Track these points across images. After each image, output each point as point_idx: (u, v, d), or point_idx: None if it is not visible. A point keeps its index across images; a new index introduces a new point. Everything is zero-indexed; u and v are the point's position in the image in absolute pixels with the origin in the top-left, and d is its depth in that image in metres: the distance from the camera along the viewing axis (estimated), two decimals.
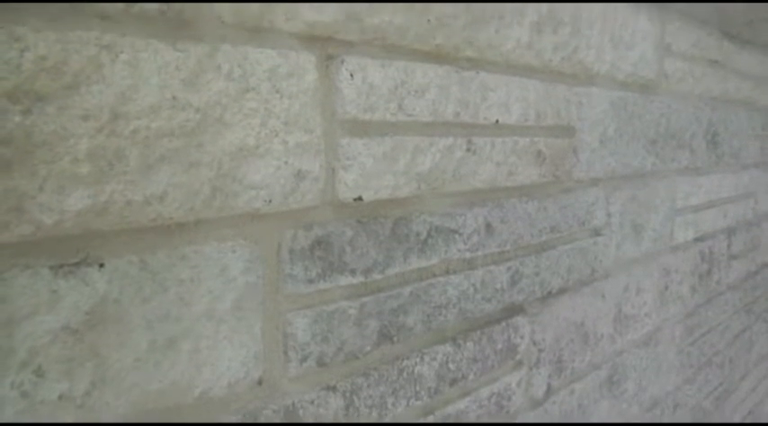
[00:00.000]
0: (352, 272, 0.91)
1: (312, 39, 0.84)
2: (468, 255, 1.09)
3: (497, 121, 1.12)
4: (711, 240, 2.12)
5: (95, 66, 0.64)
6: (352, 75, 0.88)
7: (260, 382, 0.82)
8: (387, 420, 0.99)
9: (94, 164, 0.65)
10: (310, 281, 0.86)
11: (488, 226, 1.13)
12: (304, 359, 0.87)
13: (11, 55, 0.59)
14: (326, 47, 0.85)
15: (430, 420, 1.05)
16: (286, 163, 0.82)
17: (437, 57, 1.00)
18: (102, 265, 0.67)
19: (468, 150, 1.07)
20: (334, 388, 0.91)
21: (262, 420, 0.82)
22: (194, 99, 0.72)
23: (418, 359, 1.03)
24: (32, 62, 0.60)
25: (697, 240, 2.01)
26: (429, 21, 0.97)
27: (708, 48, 1.92)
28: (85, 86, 0.64)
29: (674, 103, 1.75)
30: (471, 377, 1.13)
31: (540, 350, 1.31)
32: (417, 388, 1.03)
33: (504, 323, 1.20)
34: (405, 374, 1.01)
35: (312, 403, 0.88)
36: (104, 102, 0.65)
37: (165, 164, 0.70)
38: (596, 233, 1.45)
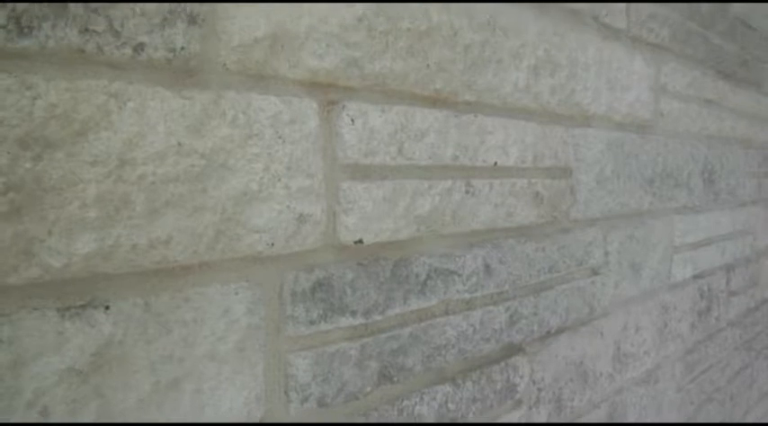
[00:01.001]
0: (353, 314, 0.92)
1: (314, 86, 0.86)
2: (467, 296, 1.11)
3: (496, 163, 1.14)
4: (710, 277, 2.13)
5: (104, 114, 0.67)
6: (352, 121, 0.90)
7: (261, 422, 0.83)
8: None
9: (102, 208, 0.67)
10: (311, 323, 0.87)
11: (487, 266, 1.14)
12: (305, 400, 0.87)
13: (23, 103, 0.61)
14: (328, 93, 0.88)
15: None
16: (288, 207, 0.83)
17: (436, 101, 1.02)
18: (107, 307, 0.68)
19: (466, 192, 1.08)
20: None
21: None
22: (199, 145, 0.74)
23: (418, 400, 1.03)
24: (43, 109, 0.62)
25: (696, 277, 2.02)
26: (428, 66, 1.00)
27: (703, 87, 1.95)
28: (94, 133, 0.66)
29: (671, 142, 1.77)
30: (471, 416, 1.14)
31: (540, 390, 1.31)
32: None
33: (503, 363, 1.20)
34: (405, 414, 1.01)
35: None
36: (112, 148, 0.67)
37: (170, 209, 0.72)
38: (594, 272, 1.47)
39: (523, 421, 1.27)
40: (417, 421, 1.03)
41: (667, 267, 1.82)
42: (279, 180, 0.82)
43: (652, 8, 1.61)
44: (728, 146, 2.18)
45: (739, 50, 2.20)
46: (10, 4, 0.60)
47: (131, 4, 0.68)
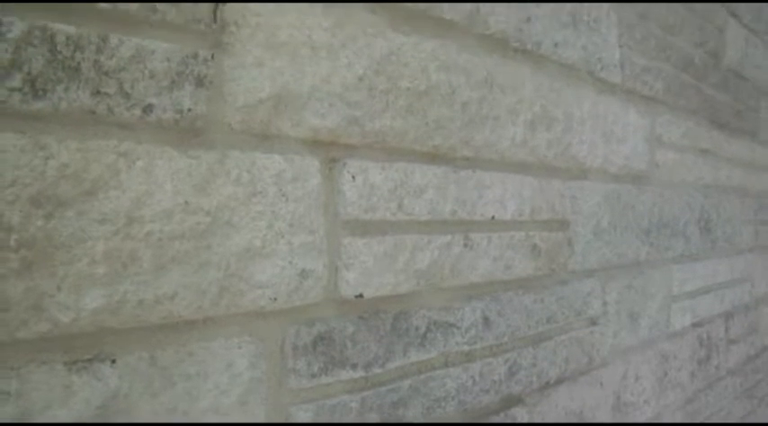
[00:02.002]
0: (354, 367, 0.94)
1: (316, 144, 0.89)
2: (466, 348, 1.12)
3: (493, 217, 1.16)
4: (709, 325, 2.14)
5: (113, 173, 0.69)
6: (353, 178, 0.92)
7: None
8: None
9: (110, 265, 0.69)
10: (313, 376, 0.89)
11: (486, 319, 1.16)
12: None
13: (36, 162, 0.64)
14: (330, 150, 0.90)
15: None
16: (290, 262, 0.85)
17: (435, 157, 1.05)
18: (113, 361, 0.70)
19: (465, 246, 1.10)
20: None
21: None
22: (205, 203, 0.76)
23: None
24: (56, 169, 0.65)
25: (695, 325, 2.03)
26: (427, 123, 1.03)
27: (698, 137, 1.98)
28: (103, 192, 0.68)
29: (667, 192, 1.80)
30: None
31: None
32: None
33: (502, 414, 1.21)
34: None
35: None
36: (121, 206, 0.69)
37: (176, 265, 0.74)
38: (593, 322, 1.48)
39: None
40: None
41: (666, 316, 1.83)
42: (282, 236, 0.84)
43: (646, 62, 1.65)
44: (725, 195, 2.20)
45: (733, 101, 2.24)
46: (26, 68, 0.63)
47: (141, 68, 0.71)
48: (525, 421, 1.26)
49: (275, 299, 0.84)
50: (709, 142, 2.06)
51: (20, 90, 0.63)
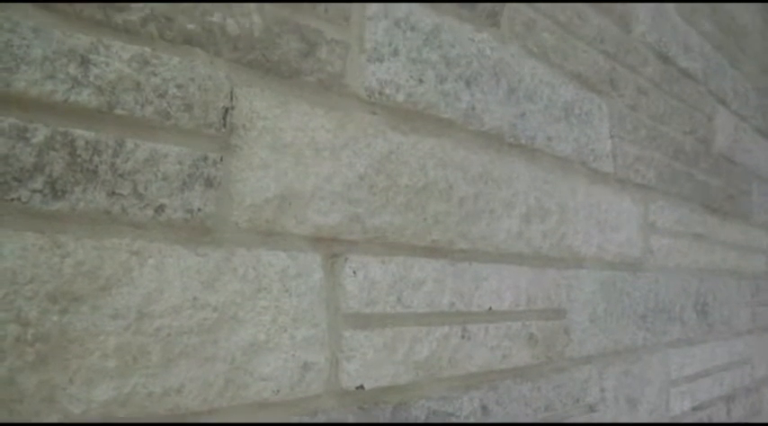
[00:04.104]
0: None
1: (319, 241, 0.92)
2: None
3: (490, 308, 1.19)
4: (710, 408, 2.13)
5: (126, 270, 0.72)
6: (354, 272, 0.96)
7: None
8: None
9: (121, 358, 0.71)
10: None
11: (484, 408, 1.17)
12: None
13: (54, 260, 0.67)
14: (332, 246, 0.94)
15: None
16: (293, 356, 0.88)
17: (433, 251, 1.09)
18: None
19: (462, 337, 1.13)
20: None
21: None
22: (212, 299, 0.80)
23: None
24: (72, 267, 0.68)
25: (695, 409, 2.02)
26: (425, 219, 1.07)
27: (691, 222, 2.02)
28: (116, 288, 0.71)
29: (662, 278, 1.83)
30: None
31: None
32: None
33: None
34: None
35: None
36: (132, 302, 0.73)
37: (183, 359, 0.77)
38: (591, 409, 1.49)
39: None
40: None
41: (665, 400, 1.83)
42: (285, 330, 0.87)
43: (637, 151, 1.70)
44: (721, 278, 2.23)
45: (725, 185, 2.30)
46: (47, 170, 0.67)
47: (155, 170, 0.75)
48: None
49: (278, 391, 0.86)
50: (703, 226, 2.10)
51: (41, 191, 0.66)
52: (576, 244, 1.44)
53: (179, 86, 0.78)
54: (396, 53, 1.03)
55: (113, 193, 0.72)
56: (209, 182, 0.80)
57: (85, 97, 0.70)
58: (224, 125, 0.82)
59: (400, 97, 1.04)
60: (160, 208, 0.76)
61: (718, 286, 2.21)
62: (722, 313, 2.24)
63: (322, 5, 0.94)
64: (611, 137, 1.59)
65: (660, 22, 1.86)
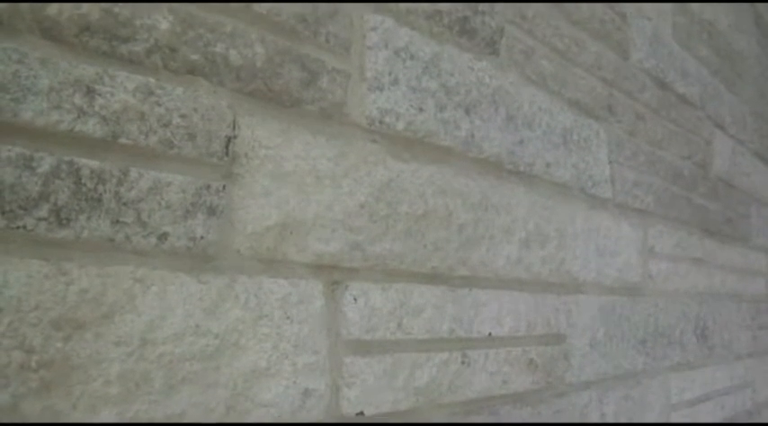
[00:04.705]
0: None
1: (320, 268, 0.93)
2: None
3: (490, 334, 1.19)
4: None
5: (129, 298, 0.73)
6: (355, 299, 0.97)
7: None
8: None
9: (123, 385, 0.72)
10: None
11: None
12: None
13: (58, 288, 0.68)
14: (332, 274, 0.95)
15: None
16: (294, 382, 0.88)
17: (433, 277, 1.10)
18: None
19: (462, 363, 1.13)
20: None
21: None
22: (214, 326, 0.80)
23: None
24: (76, 294, 0.69)
25: None
26: (425, 246, 1.08)
27: (690, 246, 2.03)
28: (119, 315, 0.72)
29: (662, 302, 1.83)
30: None
31: None
32: None
33: None
34: None
35: None
36: (135, 329, 0.73)
37: (185, 386, 0.77)
38: None
39: None
40: None
41: None
42: (286, 357, 0.88)
43: (636, 176, 1.72)
44: (720, 301, 2.24)
45: (723, 208, 2.31)
46: (53, 199, 0.68)
47: (158, 198, 0.76)
48: None
49: (279, 417, 0.87)
50: (702, 250, 2.11)
51: (46, 219, 0.67)
52: (575, 270, 1.45)
53: (183, 116, 0.79)
54: (396, 82, 1.05)
55: (117, 221, 0.73)
56: (211, 211, 0.81)
57: (91, 127, 0.71)
58: (226, 154, 0.83)
59: (400, 125, 1.05)
60: (163, 236, 0.77)
61: (717, 309, 2.21)
62: (722, 336, 2.24)
63: (323, 35, 0.95)
64: (610, 162, 1.61)
65: (657, 48, 1.88)
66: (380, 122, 1.02)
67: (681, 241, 1.97)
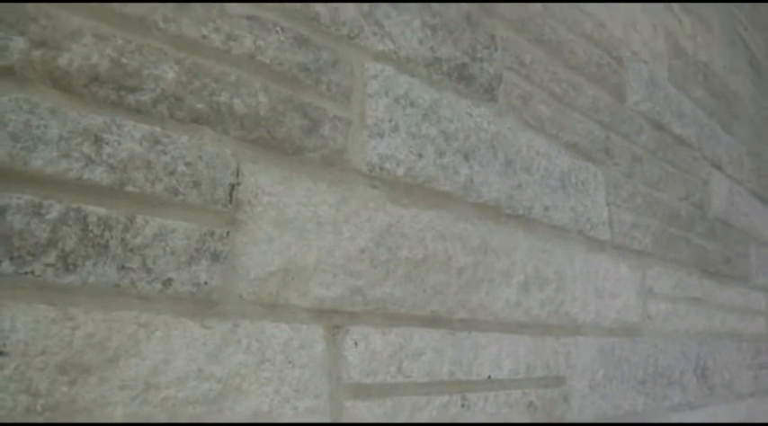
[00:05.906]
0: None
1: (321, 313, 0.94)
2: None
3: (490, 377, 1.20)
4: None
5: (133, 342, 0.74)
6: (356, 343, 0.98)
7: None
8: None
9: None
10: None
11: None
12: None
13: (64, 333, 0.69)
14: (333, 318, 0.96)
15: None
16: None
17: (432, 321, 1.11)
18: None
19: (462, 406, 1.14)
20: None
21: None
22: (217, 370, 0.81)
23: None
24: (82, 339, 0.70)
25: None
26: (425, 290, 1.09)
27: (689, 287, 2.04)
28: (124, 359, 0.73)
29: (661, 343, 1.84)
30: None
31: None
32: None
33: None
34: None
35: None
36: (139, 373, 0.74)
37: None
38: None
39: None
40: None
41: None
42: (288, 401, 0.88)
43: (634, 218, 1.73)
44: (720, 341, 2.24)
45: (722, 248, 2.32)
46: (60, 245, 0.69)
47: (163, 245, 0.78)
48: None
49: None
50: (701, 290, 2.12)
51: (53, 265, 0.69)
52: (574, 312, 1.46)
53: (188, 164, 0.81)
54: (396, 129, 1.07)
55: (123, 267, 0.74)
56: (215, 257, 0.83)
57: (98, 175, 0.73)
58: (230, 201, 0.85)
59: (400, 171, 1.07)
60: (168, 282, 0.78)
61: (718, 349, 2.21)
62: (723, 376, 2.23)
63: (325, 84, 0.98)
64: (608, 204, 1.62)
65: (653, 91, 1.92)
66: (381, 168, 1.04)
67: (680, 281, 1.98)
